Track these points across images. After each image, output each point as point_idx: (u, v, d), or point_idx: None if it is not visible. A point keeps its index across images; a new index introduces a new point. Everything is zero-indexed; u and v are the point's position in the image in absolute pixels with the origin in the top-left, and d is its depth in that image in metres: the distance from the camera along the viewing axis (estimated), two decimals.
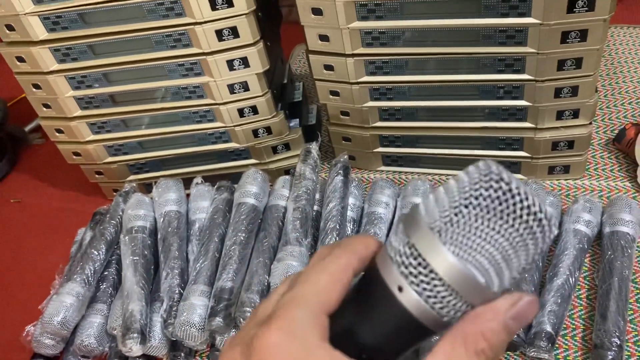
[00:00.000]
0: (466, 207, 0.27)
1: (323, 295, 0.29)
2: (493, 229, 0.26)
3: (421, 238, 0.27)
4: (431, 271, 0.27)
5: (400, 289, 0.27)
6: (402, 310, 0.28)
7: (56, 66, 0.77)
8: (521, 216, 0.26)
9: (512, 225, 0.26)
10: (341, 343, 0.28)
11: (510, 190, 0.26)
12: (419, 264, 0.27)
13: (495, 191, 0.26)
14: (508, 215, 0.26)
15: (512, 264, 0.27)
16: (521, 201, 0.26)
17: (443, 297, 0.27)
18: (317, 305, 0.29)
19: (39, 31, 0.74)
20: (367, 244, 0.31)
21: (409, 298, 0.27)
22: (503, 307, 0.27)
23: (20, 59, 0.76)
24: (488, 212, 0.26)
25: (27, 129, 1.14)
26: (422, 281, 0.27)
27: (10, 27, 0.73)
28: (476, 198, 0.26)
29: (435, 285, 0.27)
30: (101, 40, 0.74)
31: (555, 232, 0.27)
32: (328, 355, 0.27)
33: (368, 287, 0.30)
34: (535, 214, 0.26)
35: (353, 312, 0.30)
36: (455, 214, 0.27)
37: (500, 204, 0.26)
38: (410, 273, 0.27)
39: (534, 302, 0.27)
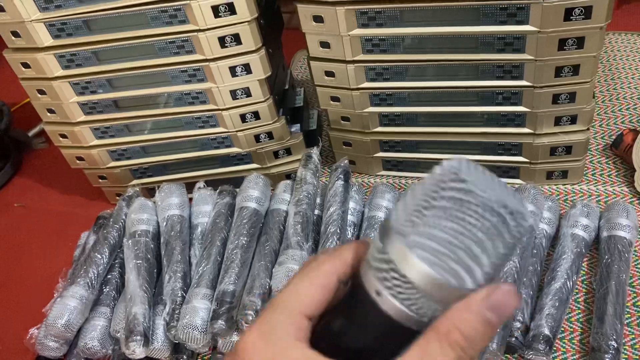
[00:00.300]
0: (427, 209, 0.27)
1: (302, 299, 0.30)
2: (455, 229, 0.26)
3: (391, 243, 0.28)
4: (402, 275, 0.27)
5: (378, 293, 0.28)
6: (382, 313, 0.28)
7: (61, 72, 0.78)
8: (483, 215, 0.26)
9: (475, 225, 0.26)
10: (326, 344, 0.29)
11: (466, 188, 0.26)
12: (391, 268, 0.27)
13: (451, 189, 0.27)
14: (469, 215, 0.26)
15: (481, 260, 0.27)
16: (477, 197, 0.26)
17: (417, 299, 0.27)
18: (294, 309, 0.30)
19: (44, 38, 0.74)
20: (356, 249, 0.32)
21: (387, 302, 0.28)
22: (475, 299, 0.27)
23: (25, 65, 0.77)
24: (445, 212, 0.27)
25: (30, 133, 1.14)
26: (395, 285, 0.27)
27: (15, 34, 0.74)
28: (434, 199, 0.27)
29: (407, 289, 0.27)
30: (105, 47, 0.75)
31: (527, 224, 0.27)
32: (302, 355, 0.29)
33: (352, 291, 0.31)
34: (492, 209, 0.26)
35: (339, 315, 0.31)
36: (418, 217, 0.27)
37: (456, 202, 0.26)
38: (384, 278, 0.28)
39: (511, 292, 0.27)
